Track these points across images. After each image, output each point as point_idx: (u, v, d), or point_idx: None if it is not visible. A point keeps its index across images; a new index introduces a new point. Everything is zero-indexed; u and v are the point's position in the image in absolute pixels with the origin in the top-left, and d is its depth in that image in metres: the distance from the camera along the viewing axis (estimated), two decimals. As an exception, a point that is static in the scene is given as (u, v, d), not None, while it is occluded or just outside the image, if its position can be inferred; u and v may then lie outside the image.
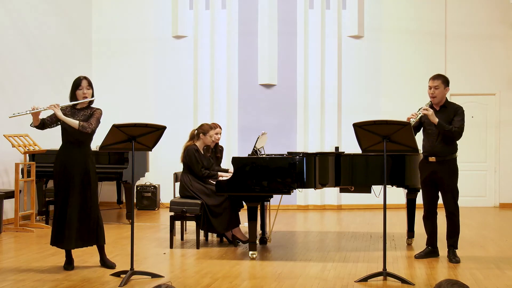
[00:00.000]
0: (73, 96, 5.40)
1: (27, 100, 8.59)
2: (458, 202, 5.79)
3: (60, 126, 5.41)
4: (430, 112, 5.60)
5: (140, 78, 10.43)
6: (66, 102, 5.45)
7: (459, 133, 5.65)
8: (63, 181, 5.31)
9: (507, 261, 5.81)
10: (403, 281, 4.92)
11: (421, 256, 5.86)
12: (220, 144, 7.48)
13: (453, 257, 5.71)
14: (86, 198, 5.33)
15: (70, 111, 5.37)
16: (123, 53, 10.45)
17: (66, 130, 5.35)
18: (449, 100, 5.92)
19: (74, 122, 5.27)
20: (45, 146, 8.10)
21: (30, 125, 5.41)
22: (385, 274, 5.02)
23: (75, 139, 5.33)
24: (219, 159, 7.36)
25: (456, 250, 5.80)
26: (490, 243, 6.84)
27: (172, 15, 10.37)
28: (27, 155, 7.94)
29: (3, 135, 7.63)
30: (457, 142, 5.82)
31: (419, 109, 5.67)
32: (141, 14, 10.47)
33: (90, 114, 5.39)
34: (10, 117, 5.33)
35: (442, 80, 5.73)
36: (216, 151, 7.30)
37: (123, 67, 10.40)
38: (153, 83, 10.44)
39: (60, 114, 5.26)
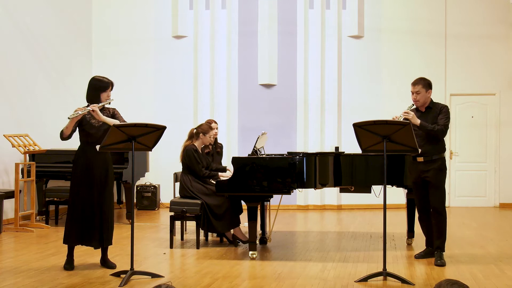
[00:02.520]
0: (95, 96, 5.39)
1: (28, 100, 8.62)
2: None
3: (78, 128, 5.41)
4: (411, 115, 5.57)
5: (140, 78, 10.43)
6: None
7: (442, 131, 5.61)
8: (85, 181, 5.33)
9: (507, 261, 5.81)
10: (403, 281, 4.92)
11: (421, 256, 5.86)
12: (220, 142, 7.48)
13: (438, 259, 5.60)
14: (105, 198, 5.38)
15: (89, 113, 5.36)
16: (123, 53, 10.45)
17: (87, 132, 5.37)
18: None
19: (115, 122, 5.30)
20: (45, 146, 8.10)
21: (63, 138, 5.31)
22: (385, 274, 5.03)
23: (97, 142, 5.33)
24: (220, 154, 7.36)
25: (444, 253, 5.70)
26: (490, 243, 6.84)
27: (172, 15, 10.37)
28: (27, 155, 7.94)
29: (3, 135, 7.64)
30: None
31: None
32: (141, 14, 10.48)
33: (111, 114, 5.47)
34: (69, 118, 5.21)
35: (422, 84, 5.71)
36: (216, 146, 7.29)
37: (123, 67, 10.40)
38: (153, 83, 10.44)
39: (101, 115, 5.28)
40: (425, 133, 5.65)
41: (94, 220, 5.32)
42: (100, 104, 5.36)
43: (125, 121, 5.40)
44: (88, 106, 5.32)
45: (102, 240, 5.40)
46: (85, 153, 5.39)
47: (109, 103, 5.47)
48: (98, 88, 5.42)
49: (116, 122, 5.30)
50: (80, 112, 5.23)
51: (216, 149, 7.29)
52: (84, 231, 5.32)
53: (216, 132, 7.17)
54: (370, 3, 10.30)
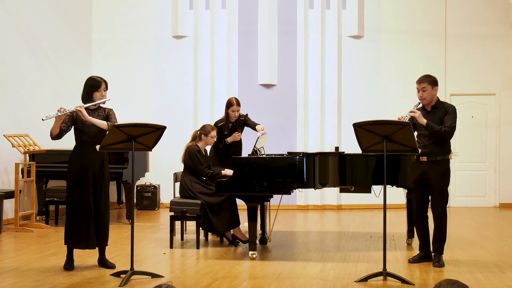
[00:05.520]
0: (88, 97, 5.38)
1: (28, 100, 8.62)
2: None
3: (73, 127, 5.39)
4: (417, 114, 5.48)
5: (140, 78, 10.43)
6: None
7: (449, 132, 5.50)
8: (80, 181, 5.31)
9: (507, 261, 5.81)
10: (403, 281, 4.92)
11: (415, 260, 5.73)
12: (242, 114, 7.27)
13: (436, 261, 5.57)
14: (101, 198, 5.36)
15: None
16: (123, 53, 10.45)
17: (83, 132, 5.34)
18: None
19: (102, 123, 5.27)
20: (45, 146, 8.09)
21: (52, 138, 5.32)
22: (385, 274, 5.02)
23: (91, 140, 5.32)
24: (248, 122, 7.25)
25: (442, 255, 5.67)
26: (490, 243, 6.84)
27: (172, 15, 10.37)
28: (27, 155, 7.94)
29: (3, 135, 7.64)
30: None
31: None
32: (141, 14, 10.47)
33: (106, 114, 5.42)
34: (43, 119, 5.19)
35: (428, 82, 5.60)
36: (238, 125, 7.21)
37: (123, 67, 10.40)
38: (153, 83, 10.44)
39: (87, 115, 5.23)
40: (430, 133, 5.57)
41: (89, 221, 5.28)
42: (89, 104, 5.31)
43: (116, 123, 5.30)
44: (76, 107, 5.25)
45: (99, 240, 5.38)
46: (80, 152, 5.37)
47: (104, 103, 5.44)
48: (90, 87, 5.39)
49: (104, 124, 5.28)
50: (59, 113, 5.15)
51: (237, 129, 7.15)
52: (80, 234, 5.29)
53: (236, 115, 7.11)
54: (370, 3, 10.30)
